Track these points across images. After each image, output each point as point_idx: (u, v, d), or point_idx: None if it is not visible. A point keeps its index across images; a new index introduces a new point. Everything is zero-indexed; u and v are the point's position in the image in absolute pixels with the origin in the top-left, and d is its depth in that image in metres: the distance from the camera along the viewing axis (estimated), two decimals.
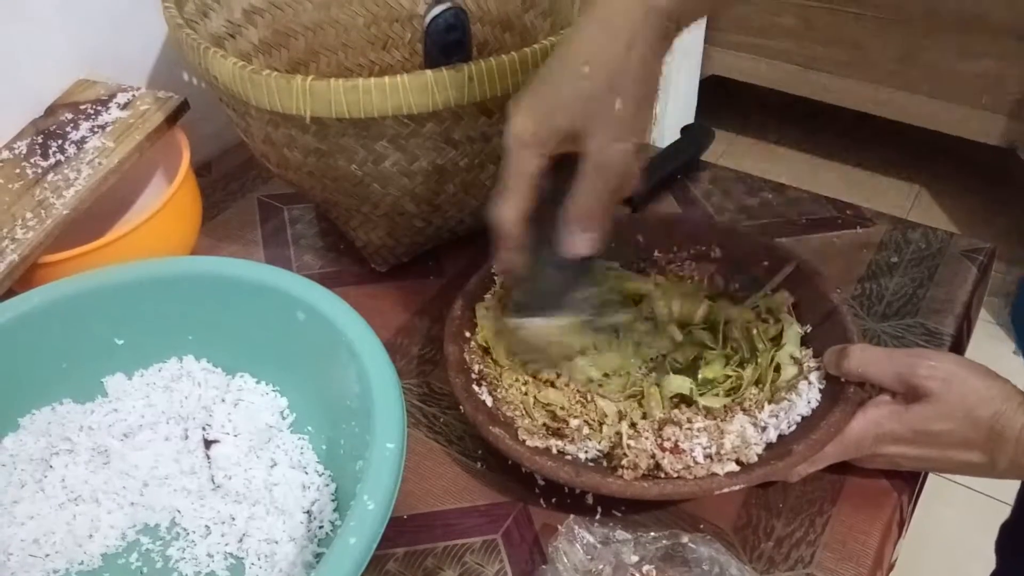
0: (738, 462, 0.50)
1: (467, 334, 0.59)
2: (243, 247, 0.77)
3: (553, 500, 0.54)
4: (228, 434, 0.56)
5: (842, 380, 0.53)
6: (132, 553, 0.52)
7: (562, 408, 0.55)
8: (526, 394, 0.56)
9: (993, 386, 0.48)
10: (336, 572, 0.40)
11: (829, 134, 2.19)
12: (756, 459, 0.50)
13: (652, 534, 0.48)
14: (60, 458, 0.55)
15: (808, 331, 0.58)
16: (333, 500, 0.52)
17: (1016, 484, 0.78)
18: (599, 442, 0.53)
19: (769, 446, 0.51)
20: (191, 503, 0.53)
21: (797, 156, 2.18)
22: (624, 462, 0.50)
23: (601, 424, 0.54)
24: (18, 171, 0.68)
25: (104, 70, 0.77)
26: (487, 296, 0.62)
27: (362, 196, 0.64)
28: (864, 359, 0.51)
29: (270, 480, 0.53)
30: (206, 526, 0.52)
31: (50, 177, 0.67)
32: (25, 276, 0.62)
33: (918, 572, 1.26)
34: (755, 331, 0.59)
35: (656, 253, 0.67)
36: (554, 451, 0.52)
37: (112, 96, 0.73)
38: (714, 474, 0.49)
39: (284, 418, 0.58)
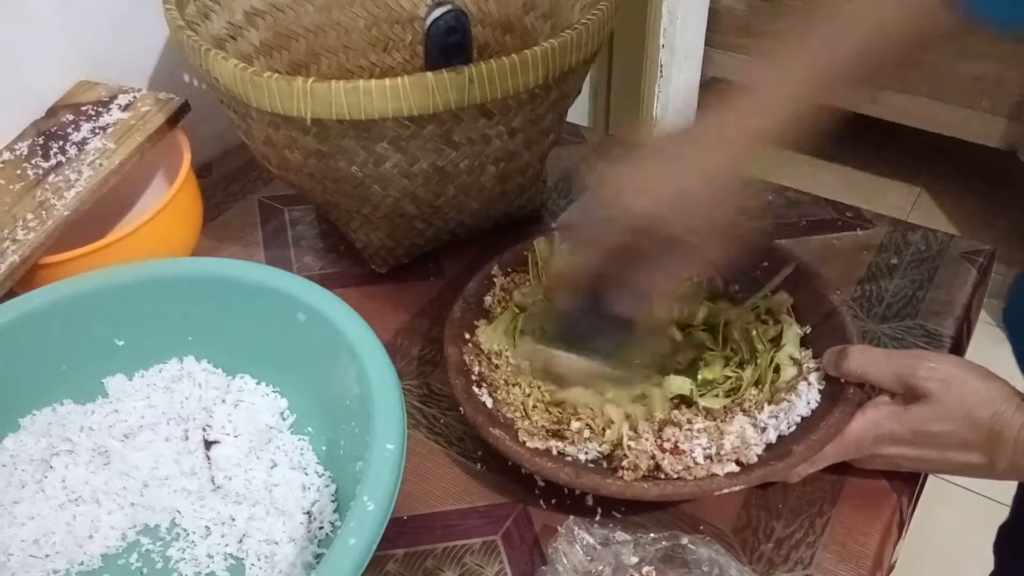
0: (738, 463, 0.50)
1: (467, 336, 0.60)
2: (244, 248, 0.77)
3: (553, 501, 0.54)
4: (228, 435, 0.56)
5: (842, 381, 0.53)
6: (132, 554, 0.52)
7: (573, 410, 0.55)
8: (528, 395, 0.56)
9: (992, 387, 0.48)
10: (336, 573, 0.40)
11: (829, 136, 2.19)
12: (756, 460, 0.50)
13: (652, 535, 0.48)
14: (60, 459, 0.55)
15: (808, 332, 0.58)
16: (333, 501, 0.53)
17: (1014, 486, 0.78)
18: (599, 444, 0.53)
19: (769, 447, 0.52)
20: (191, 504, 0.53)
21: (797, 158, 2.18)
22: (624, 463, 0.50)
23: (604, 429, 0.54)
24: (19, 172, 0.68)
25: (105, 71, 0.77)
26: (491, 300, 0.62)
27: (362, 198, 0.64)
28: (863, 360, 0.52)
29: (270, 481, 0.54)
30: (206, 527, 0.52)
31: (51, 178, 0.67)
32: (26, 277, 0.62)
33: (917, 574, 1.26)
34: (755, 332, 0.59)
35: None
36: (554, 452, 0.52)
37: (113, 97, 0.74)
38: (714, 475, 0.49)
39: (284, 419, 0.58)
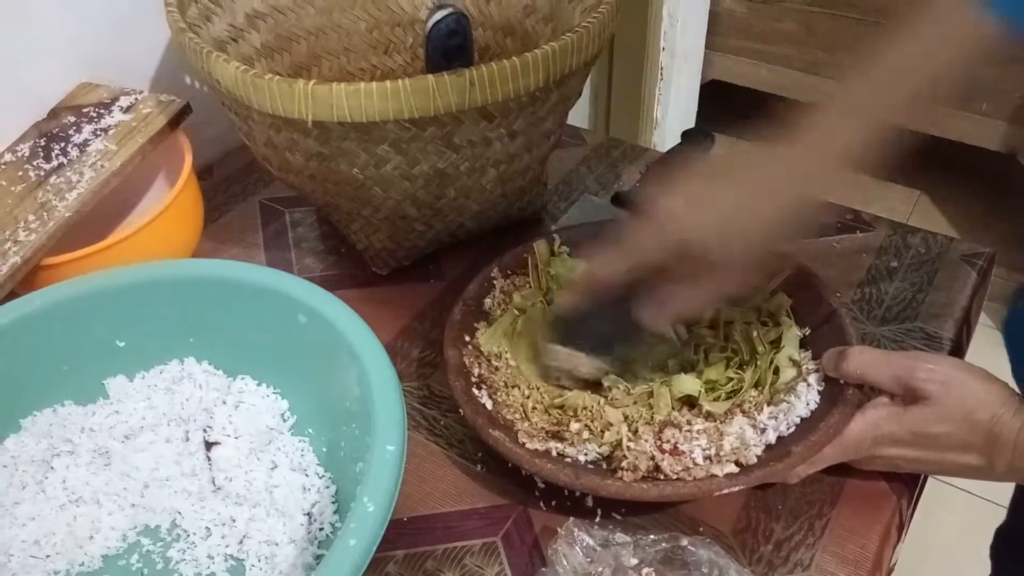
0: (737, 464, 0.50)
1: (467, 338, 0.60)
2: (244, 250, 0.78)
3: (553, 503, 0.54)
4: (229, 436, 0.56)
5: (841, 382, 0.53)
6: (133, 554, 0.52)
7: (572, 411, 0.55)
8: (528, 397, 0.56)
9: (992, 389, 0.48)
10: (336, 574, 0.40)
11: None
12: (755, 460, 0.50)
13: (652, 537, 0.48)
14: (61, 459, 0.55)
15: (807, 334, 0.59)
16: (333, 502, 0.53)
17: (1012, 488, 0.78)
18: (599, 445, 0.53)
19: (768, 448, 0.52)
20: (192, 505, 0.53)
21: None
22: (624, 464, 0.50)
23: (604, 431, 0.54)
24: (21, 173, 0.68)
25: (107, 73, 0.77)
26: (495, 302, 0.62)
27: (363, 200, 0.64)
28: (863, 361, 0.52)
29: (270, 482, 0.54)
30: (206, 528, 0.52)
31: (52, 179, 0.67)
32: (27, 278, 0.62)
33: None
34: (756, 333, 0.59)
35: None
36: (554, 454, 0.52)
37: (115, 99, 0.74)
38: (713, 475, 0.49)
39: (285, 420, 0.58)
